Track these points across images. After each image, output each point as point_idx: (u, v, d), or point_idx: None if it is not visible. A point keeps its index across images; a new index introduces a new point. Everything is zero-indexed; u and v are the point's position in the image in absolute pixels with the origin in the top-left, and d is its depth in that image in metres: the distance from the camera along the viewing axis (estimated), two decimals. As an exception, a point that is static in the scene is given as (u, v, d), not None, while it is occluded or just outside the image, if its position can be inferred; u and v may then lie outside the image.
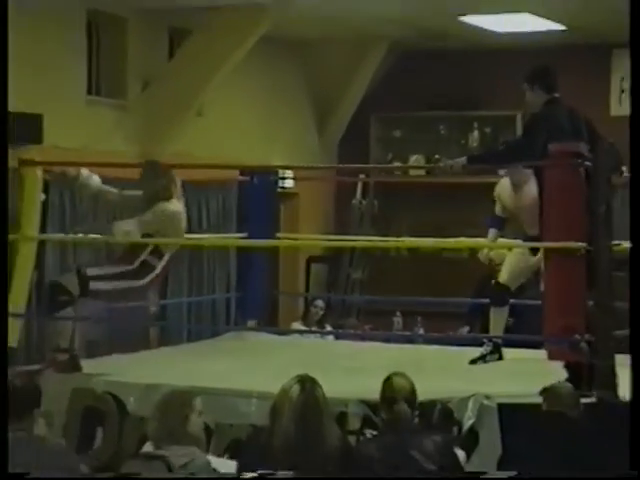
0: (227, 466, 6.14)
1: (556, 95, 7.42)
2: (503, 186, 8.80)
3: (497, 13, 11.56)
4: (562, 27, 12.12)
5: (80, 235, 10.22)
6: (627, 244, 7.44)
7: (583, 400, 6.36)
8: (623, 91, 13.22)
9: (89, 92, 11.14)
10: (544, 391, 6.25)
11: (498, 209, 8.84)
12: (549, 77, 7.49)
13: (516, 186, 8.52)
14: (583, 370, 6.82)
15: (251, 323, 9.61)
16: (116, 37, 11.39)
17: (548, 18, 11.76)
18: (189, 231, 11.36)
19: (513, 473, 4.07)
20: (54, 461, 5.77)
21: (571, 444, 5.92)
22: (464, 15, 11.62)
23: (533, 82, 7.47)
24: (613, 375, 6.70)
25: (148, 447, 6.09)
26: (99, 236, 8.66)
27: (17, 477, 4.61)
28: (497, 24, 12.04)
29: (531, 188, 8.14)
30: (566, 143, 7.01)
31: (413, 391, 6.07)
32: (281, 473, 3.64)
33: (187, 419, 6.10)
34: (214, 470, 6.01)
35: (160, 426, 6.06)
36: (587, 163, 6.88)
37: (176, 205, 8.08)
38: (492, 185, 12.34)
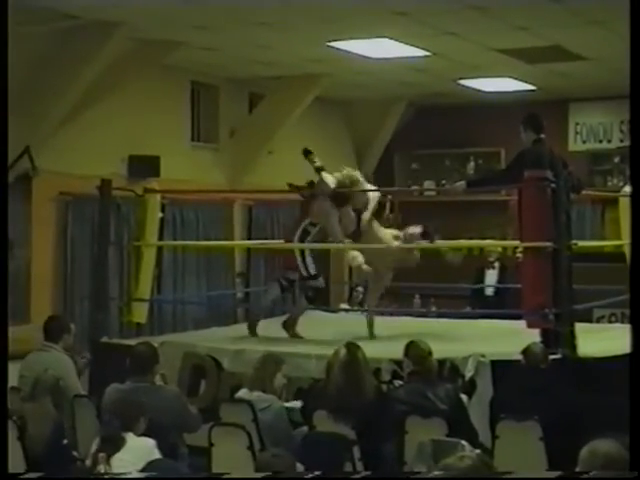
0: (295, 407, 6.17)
1: (542, 136, 7.36)
2: None
3: (485, 77, 11.51)
4: (533, 87, 12.05)
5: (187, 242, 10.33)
6: (582, 243, 7.45)
7: (552, 356, 6.33)
8: (577, 132, 13.12)
9: (192, 139, 11.21)
10: (523, 350, 6.22)
11: None
12: (536, 122, 7.46)
13: None
14: (551, 334, 6.78)
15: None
16: (211, 99, 11.46)
17: (524, 81, 11.70)
18: (264, 237, 11.51)
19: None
20: (170, 402, 5.82)
21: (542, 388, 5.90)
22: (461, 79, 11.59)
23: (525, 125, 7.44)
24: (573, 338, 6.67)
25: (242, 393, 6.11)
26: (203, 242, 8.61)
27: (16, 477, 4.15)
28: (485, 86, 11.98)
29: None
30: (536, 170, 6.98)
31: (428, 352, 6.08)
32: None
33: (274, 375, 6.14)
34: (287, 409, 6.04)
35: (255, 378, 6.09)
36: (552, 185, 6.84)
37: None
38: (484, 202, 12.39)
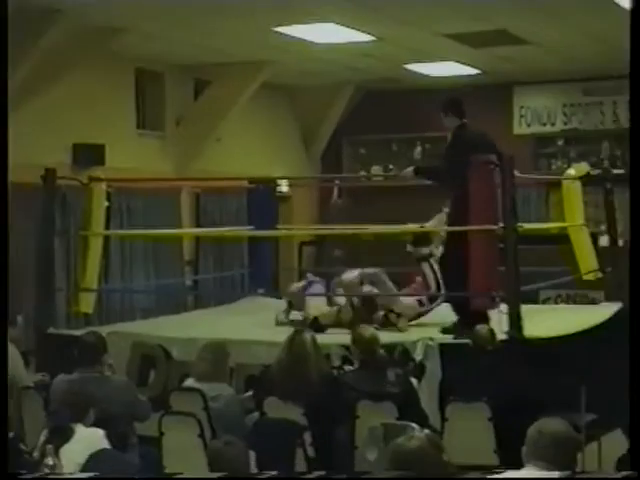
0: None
1: (464, 121, 7.30)
2: None
3: (432, 62, 11.55)
4: (478, 71, 12.11)
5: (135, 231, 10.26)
6: (527, 226, 7.50)
7: (500, 337, 6.38)
8: (522, 116, 13.22)
9: (138, 127, 11.12)
10: (472, 333, 6.26)
11: None
12: (459, 107, 7.36)
13: None
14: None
15: (260, 291, 9.58)
16: (156, 87, 11.37)
17: (470, 65, 11.75)
18: (213, 225, 11.47)
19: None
20: (120, 392, 5.78)
21: (490, 370, 5.94)
22: (408, 64, 11.61)
23: (447, 111, 7.38)
24: (519, 319, 6.72)
25: (189, 383, 6.09)
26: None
27: (16, 477, 4.10)
28: (432, 70, 12.01)
29: None
30: (483, 155, 7.01)
31: (376, 337, 6.10)
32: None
33: (222, 363, 6.10)
34: (235, 398, 6.01)
35: (203, 367, 6.05)
36: (497, 169, 6.88)
37: None
38: (433, 187, 12.42)
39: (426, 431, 3.83)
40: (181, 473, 4.41)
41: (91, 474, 4.15)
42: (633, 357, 3.81)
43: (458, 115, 7.32)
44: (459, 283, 7.00)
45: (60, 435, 4.66)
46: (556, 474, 3.68)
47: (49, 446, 4.56)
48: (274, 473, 4.08)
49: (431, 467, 3.49)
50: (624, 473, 3.37)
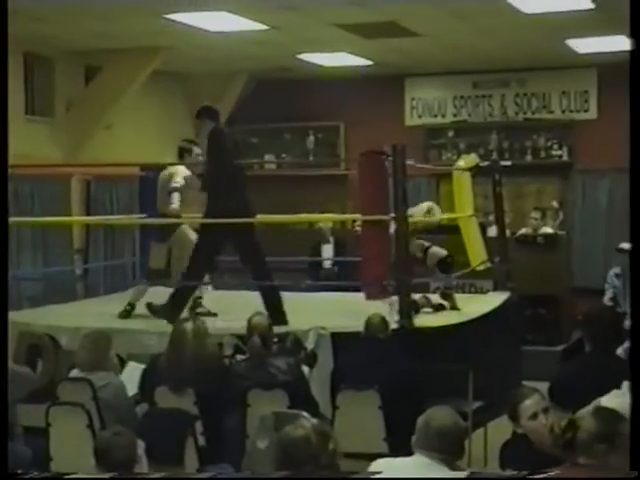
0: (133, 384, 6.06)
1: (216, 124, 7.54)
2: None
3: (324, 52, 11.57)
4: (370, 62, 12.18)
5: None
6: (417, 217, 7.59)
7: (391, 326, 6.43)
8: (413, 107, 13.36)
9: (26, 113, 10.87)
10: (365, 321, 6.31)
11: None
12: (213, 113, 7.64)
13: None
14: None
15: (145, 280, 9.45)
16: (45, 72, 11.13)
17: (361, 56, 11.81)
18: (104, 213, 11.28)
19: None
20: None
21: (381, 358, 6.00)
22: (300, 54, 11.61)
23: (203, 117, 7.60)
24: (410, 309, 6.79)
25: (74, 373, 5.99)
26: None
27: (15, 477, 4.10)
28: (321, 60, 12.02)
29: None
30: (374, 148, 7.08)
31: (269, 326, 6.08)
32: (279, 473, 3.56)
33: (106, 352, 6.02)
34: (124, 388, 5.94)
35: (86, 357, 5.96)
36: (389, 158, 6.93)
37: None
38: (325, 176, 12.48)
39: (314, 420, 3.84)
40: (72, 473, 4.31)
41: (91, 475, 4.03)
42: (633, 357, 3.83)
43: (213, 119, 7.54)
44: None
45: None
46: (439, 463, 3.75)
47: None
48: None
49: (316, 455, 3.51)
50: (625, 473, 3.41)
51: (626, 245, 9.23)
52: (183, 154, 8.15)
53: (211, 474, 4.40)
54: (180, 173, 7.97)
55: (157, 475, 4.05)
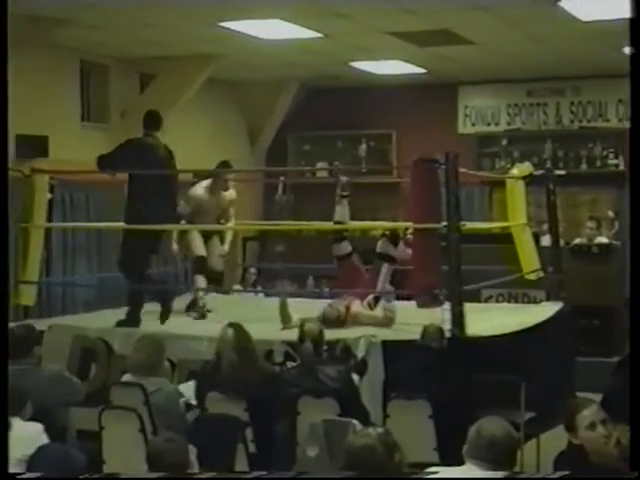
0: (188, 389, 6.09)
1: (148, 132, 8.09)
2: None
3: (377, 60, 11.57)
4: (424, 70, 12.16)
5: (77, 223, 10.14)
6: (470, 224, 7.56)
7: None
8: (467, 115, 13.31)
9: (82, 119, 11.00)
10: (421, 330, 6.29)
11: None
12: (158, 120, 8.24)
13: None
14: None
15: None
16: (101, 79, 11.26)
17: (414, 64, 11.79)
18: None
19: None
20: (52, 381, 5.72)
21: (432, 367, 5.97)
22: (353, 61, 11.62)
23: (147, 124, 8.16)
24: (462, 317, 6.76)
25: (127, 377, 6.03)
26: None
27: (16, 477, 4.05)
28: (377, 68, 12.03)
29: (231, 193, 8.86)
30: (426, 156, 7.07)
31: (320, 333, 6.09)
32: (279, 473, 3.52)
33: (159, 356, 6.05)
34: (180, 394, 5.97)
35: (139, 361, 5.99)
36: (442, 167, 6.90)
37: None
38: (376, 185, 12.46)
39: (380, 429, 3.79)
40: (119, 473, 4.34)
41: (90, 475, 4.09)
42: (633, 357, 3.81)
43: (157, 127, 8.18)
44: None
45: (-3, 430, 4.59)
46: (491, 473, 3.72)
47: (-13, 441, 4.48)
48: (214, 473, 4.05)
49: (381, 465, 3.48)
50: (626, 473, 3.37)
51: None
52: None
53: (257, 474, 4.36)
54: (193, 194, 8.57)
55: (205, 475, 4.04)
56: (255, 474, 4.22)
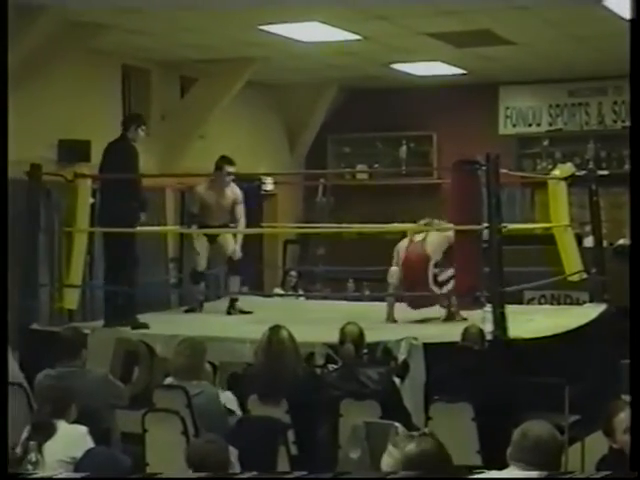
0: (228, 396, 6.10)
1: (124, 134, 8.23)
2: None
3: (416, 61, 11.55)
4: (463, 71, 12.12)
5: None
6: (512, 226, 7.52)
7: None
8: (507, 116, 13.24)
9: (123, 123, 11.08)
10: (462, 332, 6.27)
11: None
12: (140, 119, 8.47)
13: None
14: None
15: (244, 289, 9.55)
16: (142, 83, 11.34)
17: (454, 65, 11.76)
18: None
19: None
20: (98, 385, 5.77)
21: (474, 370, 5.94)
22: (392, 63, 11.61)
23: (129, 124, 8.36)
24: (503, 319, 6.73)
25: (169, 380, 6.06)
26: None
27: (15, 477, 4.09)
28: (417, 69, 12.01)
29: (233, 191, 8.85)
30: (467, 157, 7.06)
31: (361, 335, 6.08)
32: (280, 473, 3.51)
33: (201, 359, 6.07)
34: (217, 396, 5.98)
35: (181, 364, 6.01)
36: (483, 168, 6.88)
37: None
38: (417, 186, 12.44)
39: (436, 435, 3.76)
40: (160, 473, 4.38)
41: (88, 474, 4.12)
42: (633, 357, 3.81)
43: (140, 125, 8.35)
44: None
45: (42, 432, 4.65)
46: (535, 474, 3.69)
47: (32, 442, 4.54)
48: (254, 473, 4.06)
49: (436, 471, 3.46)
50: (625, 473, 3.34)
51: None
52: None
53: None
54: (195, 192, 8.90)
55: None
56: (295, 474, 4.23)
